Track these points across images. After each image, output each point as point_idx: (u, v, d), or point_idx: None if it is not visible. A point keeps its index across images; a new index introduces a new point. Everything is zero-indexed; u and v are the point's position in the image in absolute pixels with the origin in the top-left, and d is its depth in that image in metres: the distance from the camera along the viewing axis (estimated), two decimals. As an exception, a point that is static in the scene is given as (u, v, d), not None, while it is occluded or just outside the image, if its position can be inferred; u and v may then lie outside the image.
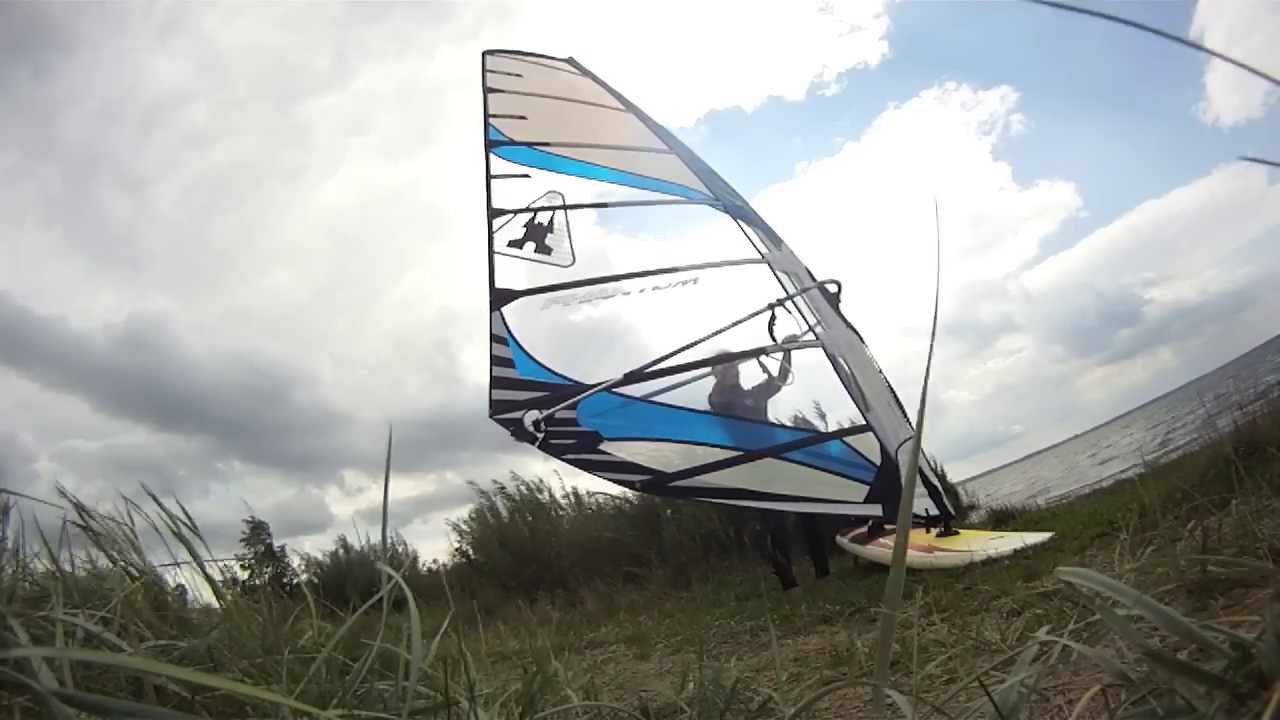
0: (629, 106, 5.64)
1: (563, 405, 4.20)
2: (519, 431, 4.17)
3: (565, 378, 4.32)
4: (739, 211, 5.09)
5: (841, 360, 4.53)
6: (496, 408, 4.21)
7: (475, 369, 4.34)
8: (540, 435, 4.15)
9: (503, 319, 4.34)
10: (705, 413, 4.57)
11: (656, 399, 4.48)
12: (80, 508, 1.37)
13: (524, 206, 4.64)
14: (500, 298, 4.40)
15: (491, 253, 4.47)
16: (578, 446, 4.21)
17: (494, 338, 4.32)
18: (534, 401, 4.21)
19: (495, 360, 4.27)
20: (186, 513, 1.31)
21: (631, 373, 4.31)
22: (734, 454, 4.26)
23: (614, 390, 4.31)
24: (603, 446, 4.22)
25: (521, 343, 4.33)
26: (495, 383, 4.25)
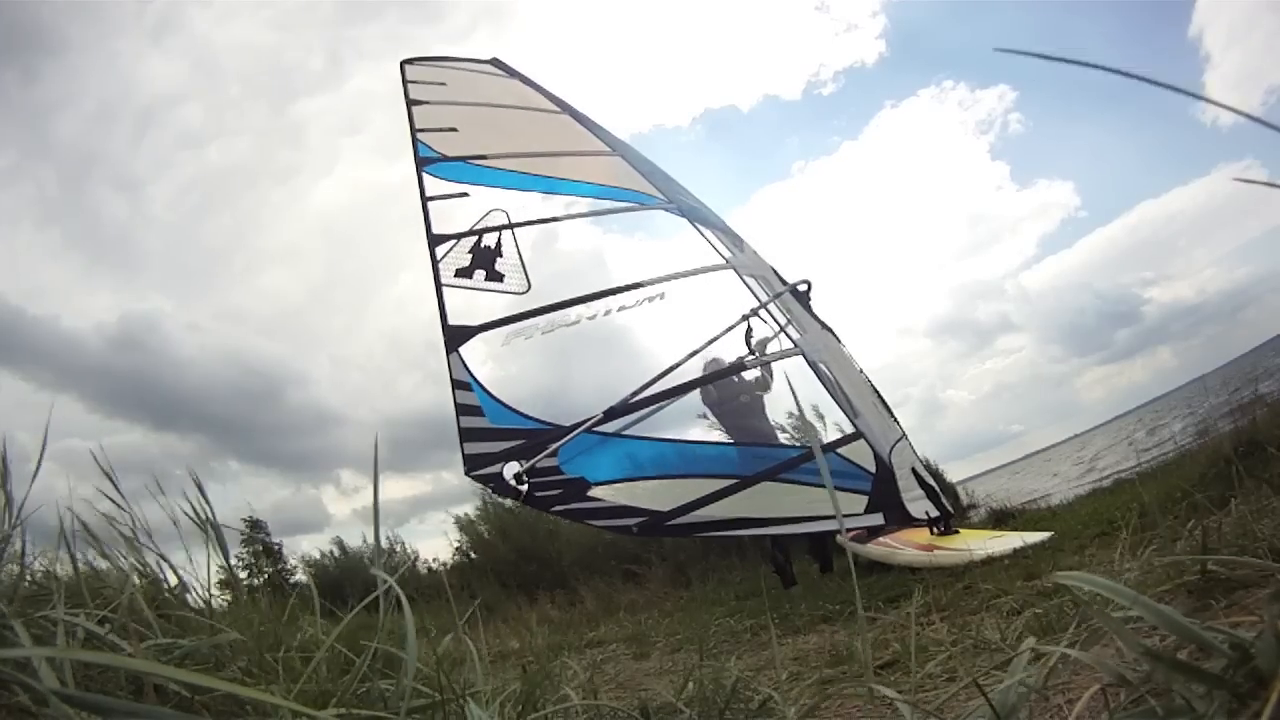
0: (564, 107, 5.30)
1: (543, 455, 3.88)
2: (501, 487, 3.85)
3: (539, 421, 4.02)
4: (694, 214, 4.84)
5: (823, 366, 4.43)
6: (471, 463, 3.82)
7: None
8: (524, 488, 3.84)
9: (463, 361, 3.95)
10: (690, 442, 4.39)
11: (634, 433, 4.22)
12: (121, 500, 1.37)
13: (468, 230, 4.26)
14: (455, 337, 3.96)
15: (439, 285, 4.06)
16: (565, 496, 3.91)
17: (456, 384, 3.90)
18: (510, 452, 3.87)
19: (461, 409, 3.87)
20: (209, 504, 1.30)
21: (611, 409, 4.05)
22: (729, 482, 4.02)
23: (593, 430, 4.04)
24: (592, 493, 3.93)
25: (487, 378, 3.98)
26: (465, 435, 3.84)
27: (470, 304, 4.22)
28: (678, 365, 4.23)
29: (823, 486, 4.07)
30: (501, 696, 1.16)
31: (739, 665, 2.20)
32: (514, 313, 4.18)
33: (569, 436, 3.97)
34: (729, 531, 4.10)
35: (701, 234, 4.75)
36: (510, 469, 3.87)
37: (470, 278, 4.20)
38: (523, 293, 4.24)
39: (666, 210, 4.74)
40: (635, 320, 4.39)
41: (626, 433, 4.20)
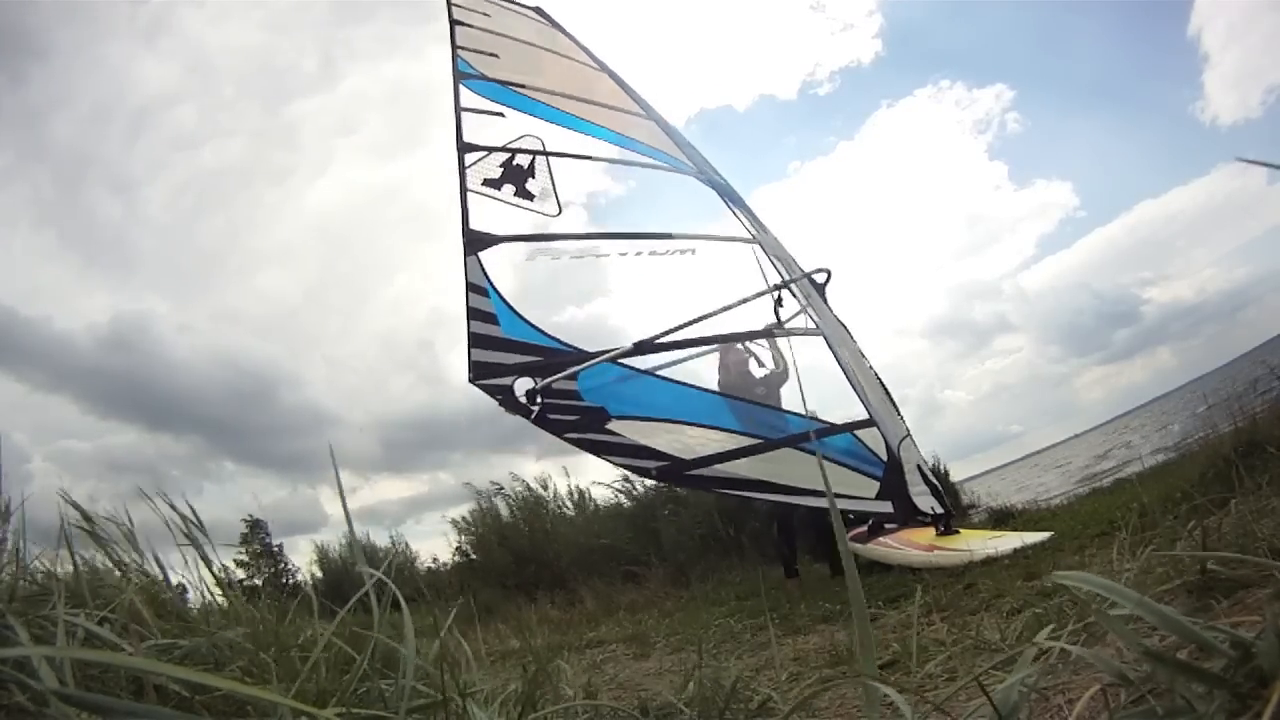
0: (603, 67, 5.24)
1: (561, 375, 3.65)
2: (509, 402, 3.59)
3: (559, 341, 3.79)
4: (724, 190, 4.78)
5: (839, 351, 4.39)
6: (477, 370, 3.59)
7: (462, 371, 3.73)
8: (535, 408, 3.59)
9: (480, 266, 3.74)
10: (717, 393, 4.28)
11: (663, 374, 4.05)
12: (85, 512, 1.37)
13: (500, 146, 4.15)
14: (476, 241, 3.78)
15: (464, 190, 3.92)
16: (581, 424, 3.69)
17: (471, 287, 3.69)
18: (523, 367, 3.64)
19: (474, 314, 3.65)
20: (195, 511, 1.31)
21: (641, 342, 3.87)
22: (752, 441, 3.92)
23: (619, 361, 3.84)
24: (611, 426, 3.72)
25: (506, 297, 3.76)
26: (475, 341, 3.61)
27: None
28: (712, 315, 4.04)
29: (843, 464, 4.01)
30: (501, 696, 1.16)
31: (739, 665, 2.20)
32: (542, 232, 4.07)
33: (592, 362, 3.78)
34: (745, 493, 3.94)
35: (731, 210, 4.67)
36: (522, 385, 3.63)
37: (499, 189, 4.09)
38: (553, 216, 4.14)
39: (697, 179, 4.64)
40: (629, 322, 4.37)
41: (651, 372, 4.03)
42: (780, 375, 4.60)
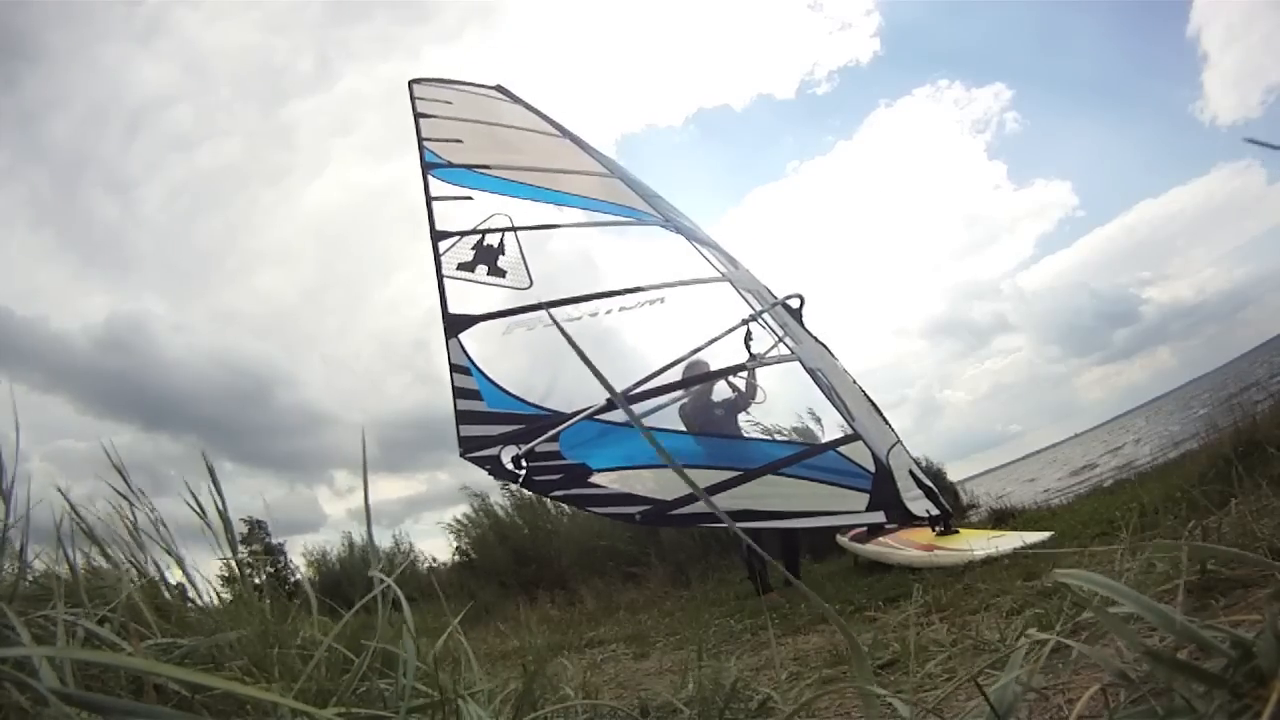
0: (564, 132, 5.52)
1: (543, 438, 3.92)
2: (498, 470, 3.89)
3: (539, 407, 4.07)
4: (690, 233, 4.99)
5: (819, 373, 4.50)
6: (466, 445, 3.91)
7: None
8: (522, 472, 3.88)
9: (462, 346, 4.05)
10: (694, 434, 4.45)
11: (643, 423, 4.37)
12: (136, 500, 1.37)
13: (471, 229, 4.43)
14: (456, 324, 4.10)
15: (441, 277, 4.22)
16: (565, 481, 3.97)
17: (454, 368, 4.00)
18: (508, 436, 3.93)
19: (459, 393, 3.96)
20: (223, 504, 1.28)
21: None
22: (733, 474, 4.08)
23: (596, 418, 4.08)
24: (593, 479, 3.98)
25: (486, 369, 4.05)
26: (462, 417, 3.93)
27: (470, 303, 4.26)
28: (681, 360, 4.32)
29: (826, 482, 4.11)
30: (501, 696, 1.16)
31: (739, 665, 2.20)
32: (517, 305, 4.30)
33: (570, 422, 4.01)
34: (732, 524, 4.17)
35: (699, 251, 4.86)
36: (508, 452, 3.90)
37: (472, 271, 4.33)
38: (524, 289, 4.37)
39: (663, 228, 4.87)
40: (623, 322, 4.47)
41: (629, 422, 4.23)
42: (741, 400, 4.64)
